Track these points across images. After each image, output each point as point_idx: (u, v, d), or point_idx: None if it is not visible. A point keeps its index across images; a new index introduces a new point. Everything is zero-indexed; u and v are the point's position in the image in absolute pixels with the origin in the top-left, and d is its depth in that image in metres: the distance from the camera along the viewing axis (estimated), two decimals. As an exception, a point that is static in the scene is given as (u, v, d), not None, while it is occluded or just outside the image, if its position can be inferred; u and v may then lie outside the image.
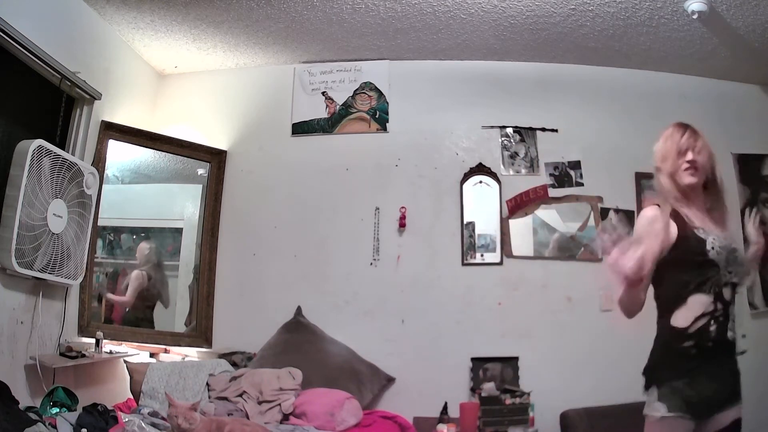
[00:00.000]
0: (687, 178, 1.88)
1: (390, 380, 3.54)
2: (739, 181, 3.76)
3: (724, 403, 1.77)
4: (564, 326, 3.57)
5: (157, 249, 3.87)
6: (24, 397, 2.58)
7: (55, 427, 2.29)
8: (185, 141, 3.85)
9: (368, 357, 3.53)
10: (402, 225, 3.77)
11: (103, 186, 3.32)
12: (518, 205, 3.74)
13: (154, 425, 2.41)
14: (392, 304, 3.67)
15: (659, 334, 1.86)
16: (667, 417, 1.73)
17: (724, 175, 3.84)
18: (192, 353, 3.66)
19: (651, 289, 1.89)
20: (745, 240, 1.97)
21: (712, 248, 1.80)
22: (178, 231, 3.99)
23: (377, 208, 3.80)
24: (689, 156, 1.88)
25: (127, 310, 3.70)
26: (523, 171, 3.81)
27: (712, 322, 1.77)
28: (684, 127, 1.94)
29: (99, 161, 3.35)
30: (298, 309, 3.69)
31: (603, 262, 3.62)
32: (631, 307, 1.83)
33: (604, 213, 3.68)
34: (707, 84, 3.88)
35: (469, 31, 3.58)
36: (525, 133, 3.86)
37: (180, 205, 4.09)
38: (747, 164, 3.79)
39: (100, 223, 3.39)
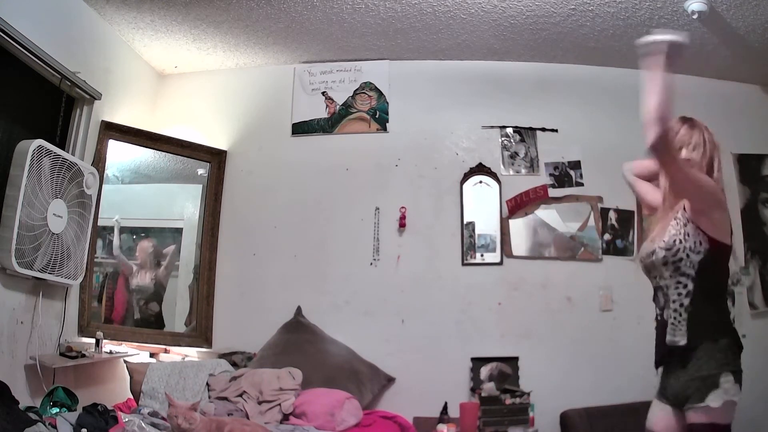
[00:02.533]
0: None
1: (390, 380, 3.55)
2: (739, 181, 3.76)
3: (684, 401, 1.76)
4: (564, 326, 3.57)
5: (157, 249, 3.85)
6: (24, 397, 2.58)
7: (55, 427, 2.29)
8: (185, 141, 3.85)
9: (368, 357, 3.53)
10: (402, 225, 3.77)
11: (103, 186, 3.32)
12: (518, 205, 3.74)
13: (154, 425, 2.41)
14: (392, 304, 3.67)
15: None
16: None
17: (724, 175, 3.84)
18: (192, 353, 3.66)
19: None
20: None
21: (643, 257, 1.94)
22: (178, 231, 3.99)
23: (377, 208, 3.80)
24: (683, 154, 1.87)
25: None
26: (523, 171, 3.81)
27: (655, 323, 1.89)
28: (681, 122, 1.95)
29: (99, 161, 3.35)
30: (298, 309, 3.69)
31: (602, 262, 3.65)
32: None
33: (604, 213, 3.68)
34: (707, 84, 3.87)
35: (469, 31, 3.59)
36: (525, 133, 3.86)
37: (180, 205, 4.09)
38: (747, 164, 3.79)
39: (100, 223, 3.39)
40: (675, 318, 1.80)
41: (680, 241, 1.80)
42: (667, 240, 1.83)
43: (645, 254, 1.91)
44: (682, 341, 1.77)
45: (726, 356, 1.75)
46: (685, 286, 1.79)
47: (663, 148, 1.72)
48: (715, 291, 1.82)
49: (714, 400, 1.69)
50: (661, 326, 1.86)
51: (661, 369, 1.91)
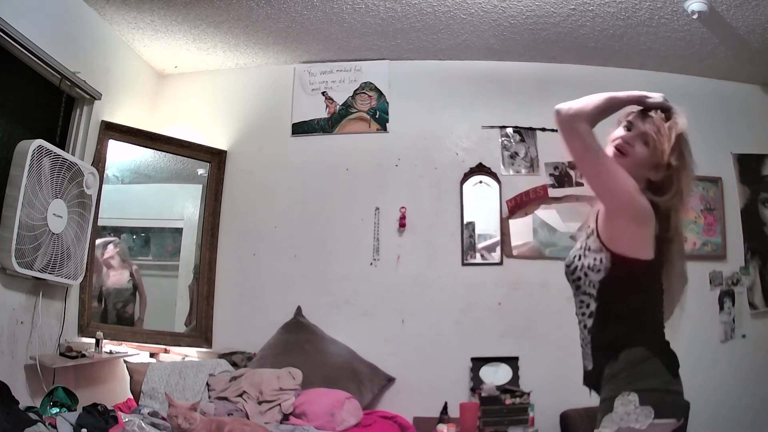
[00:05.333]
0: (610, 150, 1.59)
1: (390, 380, 3.54)
2: (739, 181, 3.76)
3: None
4: (564, 326, 3.54)
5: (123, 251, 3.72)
6: (24, 397, 2.58)
7: (55, 427, 2.29)
8: (185, 141, 3.85)
9: (368, 357, 3.53)
10: (402, 225, 3.77)
11: (103, 186, 3.32)
12: (518, 205, 3.74)
13: (154, 425, 2.41)
14: (392, 304, 3.67)
15: None
16: None
17: (724, 175, 3.86)
18: (192, 353, 3.66)
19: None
20: None
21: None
22: (178, 231, 4.00)
23: (377, 208, 3.80)
24: (628, 134, 1.58)
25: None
26: (523, 171, 3.81)
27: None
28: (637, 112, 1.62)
29: (99, 161, 3.34)
30: (298, 309, 3.69)
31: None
32: None
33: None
34: (707, 84, 3.87)
35: (469, 31, 3.58)
36: (525, 133, 3.86)
37: (180, 205, 4.09)
38: (747, 164, 3.79)
39: (100, 223, 3.39)
40: (583, 340, 1.57)
41: (579, 257, 1.56)
42: (569, 255, 1.60)
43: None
44: (590, 366, 1.56)
45: (630, 374, 1.45)
46: (588, 305, 1.54)
47: (570, 121, 1.50)
48: (625, 312, 1.50)
49: (606, 425, 1.47)
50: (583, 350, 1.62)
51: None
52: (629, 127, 1.61)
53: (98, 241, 3.47)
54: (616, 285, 1.49)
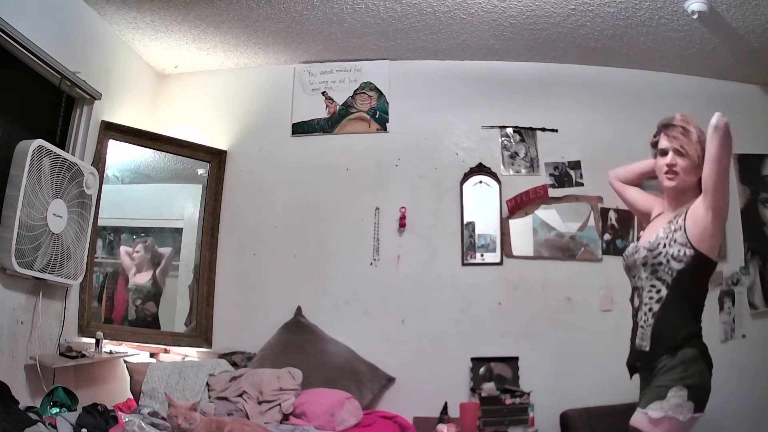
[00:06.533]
0: (666, 182, 1.87)
1: (390, 380, 3.54)
2: (739, 181, 3.76)
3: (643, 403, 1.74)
4: (564, 326, 3.57)
5: (153, 250, 3.82)
6: (24, 397, 2.58)
7: (55, 427, 2.29)
8: (185, 141, 3.85)
9: (368, 357, 3.53)
10: (402, 225, 3.77)
11: (103, 186, 3.32)
12: (518, 205, 3.74)
13: (154, 425, 2.41)
14: (392, 304, 3.67)
15: None
16: None
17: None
18: (192, 353, 3.66)
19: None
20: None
21: (626, 256, 1.95)
22: (178, 231, 3.99)
23: (377, 208, 3.80)
24: (668, 158, 1.85)
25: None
26: (523, 171, 3.81)
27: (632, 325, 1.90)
28: (668, 126, 1.87)
29: (99, 161, 3.35)
30: (298, 309, 3.69)
31: (603, 262, 3.65)
32: None
33: (604, 213, 3.68)
34: (707, 84, 3.87)
35: (469, 31, 3.58)
36: (525, 133, 3.86)
37: (180, 205, 4.09)
38: (747, 164, 3.79)
39: (100, 223, 3.39)
40: (644, 321, 1.79)
41: (664, 245, 1.78)
42: (652, 241, 1.82)
43: (629, 252, 1.91)
44: (647, 347, 1.77)
45: (684, 370, 1.68)
46: (659, 291, 1.78)
47: (729, 134, 1.65)
48: (687, 303, 1.78)
49: (654, 409, 1.64)
50: (634, 328, 1.86)
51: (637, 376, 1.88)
52: (664, 152, 1.85)
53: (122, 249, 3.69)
54: (689, 277, 1.74)
